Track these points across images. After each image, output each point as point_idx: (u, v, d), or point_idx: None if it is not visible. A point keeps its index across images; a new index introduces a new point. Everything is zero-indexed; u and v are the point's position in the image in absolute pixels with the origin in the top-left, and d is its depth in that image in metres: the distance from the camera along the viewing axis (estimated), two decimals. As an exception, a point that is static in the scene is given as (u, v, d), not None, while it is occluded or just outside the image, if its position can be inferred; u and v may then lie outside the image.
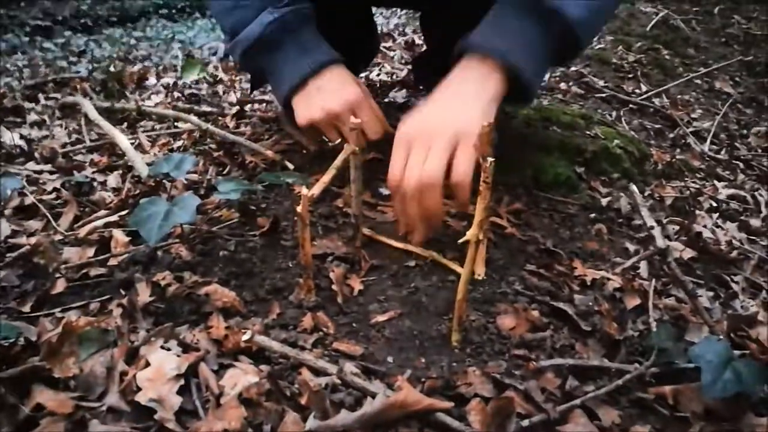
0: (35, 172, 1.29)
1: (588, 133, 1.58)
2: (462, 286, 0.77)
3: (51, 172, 1.29)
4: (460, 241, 0.76)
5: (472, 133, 0.81)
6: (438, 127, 0.87)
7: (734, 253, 1.23)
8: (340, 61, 1.04)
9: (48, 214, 1.06)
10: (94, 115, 1.54)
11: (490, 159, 0.70)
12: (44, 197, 1.15)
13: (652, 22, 2.67)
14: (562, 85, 2.05)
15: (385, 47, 2.54)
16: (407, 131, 0.89)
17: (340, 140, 1.06)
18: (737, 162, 1.82)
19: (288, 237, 1.00)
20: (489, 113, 0.90)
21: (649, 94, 2.10)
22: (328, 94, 1.01)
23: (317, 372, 0.71)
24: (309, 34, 1.04)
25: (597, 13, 0.99)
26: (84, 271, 0.90)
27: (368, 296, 0.89)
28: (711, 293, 1.08)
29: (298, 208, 0.79)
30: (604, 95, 2.01)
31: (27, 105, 1.96)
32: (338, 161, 0.88)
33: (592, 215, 1.27)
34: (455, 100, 0.90)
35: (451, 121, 0.86)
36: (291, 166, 1.21)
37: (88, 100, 1.77)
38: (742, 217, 1.44)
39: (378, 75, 2.14)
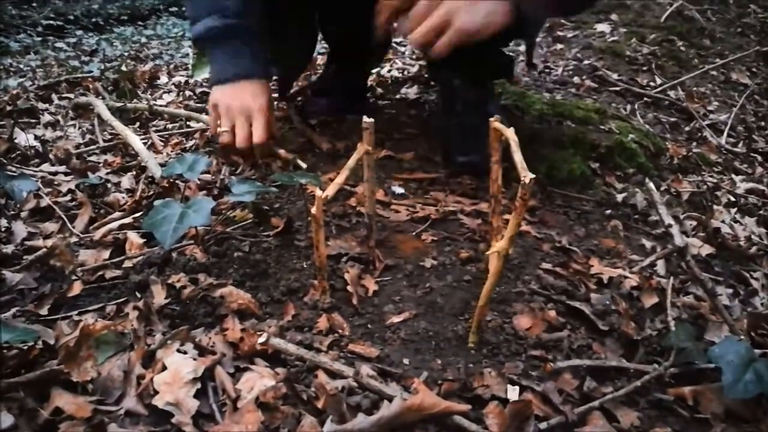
0: (50, 173, 1.30)
1: (602, 127, 1.56)
2: (485, 293, 0.76)
3: (65, 174, 1.29)
4: (489, 252, 0.75)
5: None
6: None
7: (753, 249, 1.21)
8: (259, 76, 1.22)
9: (63, 216, 1.07)
10: (107, 115, 1.55)
11: (531, 176, 0.68)
12: (59, 199, 1.15)
13: (667, 13, 2.64)
14: (576, 79, 2.02)
15: (396, 43, 2.52)
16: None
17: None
18: (755, 155, 1.79)
19: (302, 237, 1.00)
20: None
21: (664, 86, 2.07)
22: (237, 98, 1.20)
23: (333, 375, 0.70)
24: (243, 45, 1.21)
25: None
26: (100, 273, 0.91)
27: (383, 297, 0.89)
28: (730, 290, 1.07)
29: (313, 210, 0.78)
30: (618, 89, 1.99)
31: (40, 106, 1.97)
32: (351, 161, 0.87)
33: (608, 211, 1.26)
34: None
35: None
36: (304, 165, 1.21)
37: (100, 100, 1.78)
38: (761, 212, 1.42)
39: (389, 71, 2.13)
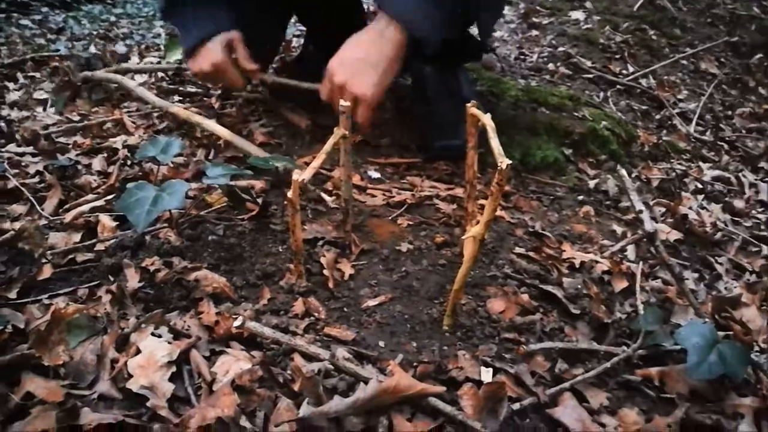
0: (17, 154, 1.26)
1: (576, 114, 1.58)
2: (460, 278, 0.77)
3: (33, 155, 1.26)
4: (464, 237, 0.76)
5: (359, 93, 1.07)
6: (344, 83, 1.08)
7: (719, 235, 1.25)
8: (219, 31, 1.23)
9: (32, 198, 1.04)
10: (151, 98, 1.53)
11: (507, 162, 0.69)
12: (27, 181, 1.12)
13: (639, 2, 2.67)
14: (550, 66, 2.04)
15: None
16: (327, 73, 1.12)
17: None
18: (722, 143, 1.83)
19: (277, 221, 1.00)
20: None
21: (636, 75, 2.10)
22: (204, 59, 1.23)
23: (310, 358, 0.71)
24: (201, 7, 1.24)
25: None
26: (71, 256, 0.89)
27: (359, 281, 0.89)
28: (696, 275, 1.10)
29: (289, 193, 0.78)
30: (591, 76, 2.01)
31: (6, 84, 1.91)
32: (328, 145, 0.87)
33: (580, 197, 1.28)
34: (363, 61, 1.09)
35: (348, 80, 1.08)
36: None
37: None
38: (727, 199, 1.45)
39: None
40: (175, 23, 1.32)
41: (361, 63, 1.08)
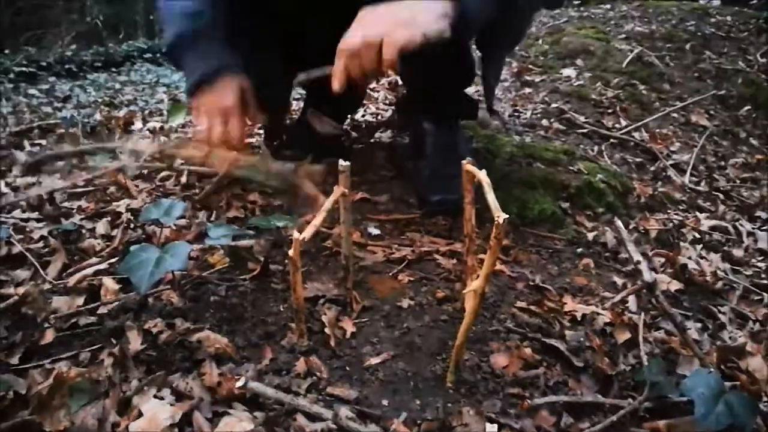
0: (22, 220, 1.28)
1: (571, 168, 1.61)
2: (462, 332, 0.77)
3: (38, 220, 1.28)
4: (465, 291, 0.77)
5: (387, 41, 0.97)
6: (365, 44, 0.99)
7: (719, 284, 1.25)
8: (230, 69, 1.20)
9: (36, 263, 1.05)
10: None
11: (503, 216, 0.70)
12: (32, 246, 1.14)
13: (628, 59, 2.75)
14: (544, 122, 2.09)
15: (369, 89, 2.58)
16: (343, 42, 1.01)
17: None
18: (717, 193, 1.86)
19: (278, 280, 1.00)
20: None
21: (629, 128, 2.15)
22: (213, 95, 1.19)
23: (312, 417, 0.70)
24: (209, 44, 1.21)
25: None
26: (73, 320, 0.89)
27: (361, 338, 0.89)
28: (699, 325, 1.09)
29: (290, 252, 0.79)
30: (585, 131, 2.05)
31: (13, 152, 1.95)
32: (328, 203, 0.89)
33: (579, 250, 1.29)
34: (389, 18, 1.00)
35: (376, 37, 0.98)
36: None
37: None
38: (725, 248, 1.46)
39: (363, 116, 2.17)
40: (184, 55, 1.24)
41: (401, 14, 0.99)
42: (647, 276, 0.95)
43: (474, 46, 1.40)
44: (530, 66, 2.73)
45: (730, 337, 1.06)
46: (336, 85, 1.02)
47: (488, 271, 0.73)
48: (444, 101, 1.43)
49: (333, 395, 0.77)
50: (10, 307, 0.90)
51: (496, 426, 0.72)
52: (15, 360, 0.81)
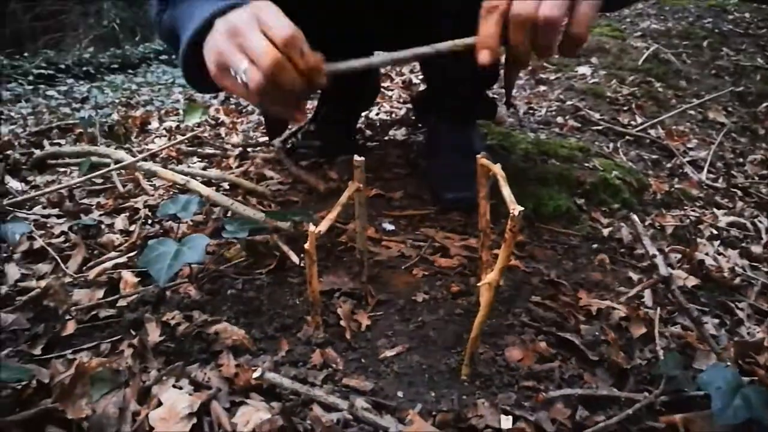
0: (43, 216, 1.30)
1: (586, 164, 1.61)
2: (477, 325, 0.77)
3: (58, 216, 1.30)
4: (480, 284, 0.77)
5: None
6: None
7: (737, 280, 1.24)
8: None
9: (57, 257, 1.07)
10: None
11: (519, 208, 0.71)
12: (53, 241, 1.16)
13: (644, 56, 2.73)
14: (559, 119, 2.08)
15: (383, 87, 2.59)
16: None
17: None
18: (735, 190, 1.84)
19: (294, 274, 1.01)
20: None
21: (645, 125, 2.13)
22: (232, 15, 0.79)
23: (328, 408, 0.71)
24: None
25: None
26: (94, 312, 0.91)
27: (376, 331, 0.90)
28: (716, 320, 1.09)
29: (306, 245, 0.80)
30: (600, 128, 2.04)
31: (33, 151, 1.99)
32: (343, 198, 0.90)
33: (594, 246, 1.29)
34: None
35: None
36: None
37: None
38: (743, 244, 1.45)
39: (377, 114, 2.17)
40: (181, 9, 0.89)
41: None
42: (663, 270, 0.95)
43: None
44: (545, 64, 2.72)
45: (748, 333, 1.05)
46: (487, 57, 0.77)
47: (503, 264, 0.73)
48: (466, 101, 1.43)
49: (349, 386, 0.77)
50: (32, 300, 0.92)
51: (511, 418, 0.72)
52: (38, 350, 0.83)
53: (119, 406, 0.70)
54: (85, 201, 1.42)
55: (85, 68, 6.00)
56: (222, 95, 3.09)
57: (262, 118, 1.35)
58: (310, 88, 0.79)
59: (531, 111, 2.18)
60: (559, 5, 0.72)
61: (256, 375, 0.73)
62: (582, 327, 0.94)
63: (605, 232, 1.34)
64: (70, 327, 0.87)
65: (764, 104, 2.57)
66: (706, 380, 0.76)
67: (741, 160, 2.11)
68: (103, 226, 1.22)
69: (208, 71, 0.80)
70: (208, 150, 1.82)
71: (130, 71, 6.27)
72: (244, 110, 2.54)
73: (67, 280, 1.00)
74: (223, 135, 2.10)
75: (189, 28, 0.84)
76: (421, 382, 0.80)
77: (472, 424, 0.71)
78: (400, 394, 0.77)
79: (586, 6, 0.73)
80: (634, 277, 1.18)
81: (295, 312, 0.92)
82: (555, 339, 0.91)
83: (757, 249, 1.42)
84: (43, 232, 1.20)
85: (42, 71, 5.56)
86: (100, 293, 0.95)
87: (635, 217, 1.10)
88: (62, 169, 1.71)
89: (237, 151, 1.74)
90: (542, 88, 2.44)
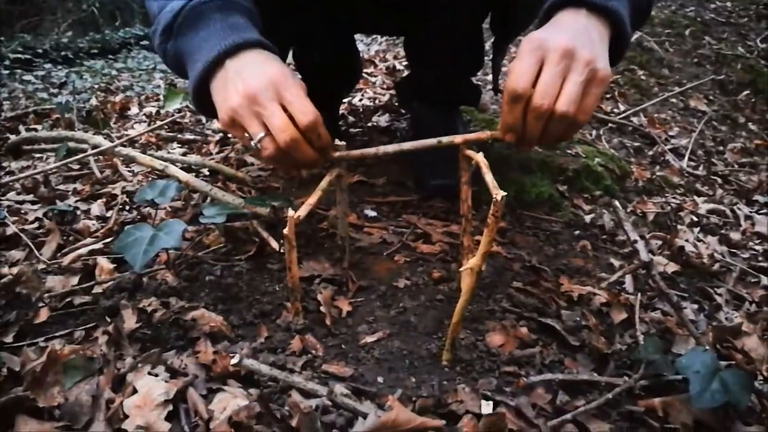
0: (17, 202, 1.27)
1: (569, 152, 1.61)
2: (459, 310, 0.77)
3: (33, 203, 1.28)
4: (462, 269, 0.76)
5: (607, 74, 0.77)
6: (578, 53, 0.76)
7: (716, 266, 1.25)
8: (267, 46, 0.86)
9: (30, 244, 1.05)
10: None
11: (502, 193, 0.70)
12: (26, 227, 1.13)
13: (627, 45, 2.74)
14: (542, 107, 2.08)
15: (367, 73, 2.57)
16: (543, 40, 0.77)
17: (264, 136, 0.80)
18: (715, 177, 1.85)
19: (274, 261, 1.00)
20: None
21: (628, 113, 2.14)
22: (247, 74, 0.80)
23: (307, 394, 0.70)
24: (242, 18, 0.87)
25: None
26: (68, 299, 0.89)
27: (357, 317, 0.89)
28: (695, 306, 1.09)
29: (285, 230, 0.79)
30: (583, 115, 2.04)
31: (8, 136, 1.94)
32: (324, 183, 0.88)
33: (576, 232, 1.29)
34: (586, 36, 0.78)
35: (590, 54, 0.76)
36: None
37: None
38: (723, 231, 1.46)
39: (360, 100, 2.16)
40: (193, 28, 0.86)
41: (594, 38, 0.78)
42: (644, 255, 0.95)
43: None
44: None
45: (726, 318, 1.06)
46: (513, 138, 0.81)
47: (486, 249, 0.73)
48: (450, 88, 1.42)
49: (328, 372, 0.76)
50: (4, 287, 0.90)
51: (491, 403, 0.72)
52: (9, 338, 0.81)
53: (93, 394, 0.68)
54: (61, 187, 1.39)
55: (63, 53, 5.86)
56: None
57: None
58: (319, 163, 0.86)
59: (514, 98, 2.17)
60: (575, 101, 0.75)
61: (233, 361, 0.71)
62: (563, 312, 0.94)
63: (587, 218, 1.35)
64: (43, 314, 0.85)
65: (744, 93, 2.59)
66: (685, 364, 0.76)
67: (721, 148, 2.13)
68: (79, 212, 1.19)
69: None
70: (189, 136, 1.80)
71: (110, 56, 6.15)
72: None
73: (41, 266, 0.97)
74: (204, 121, 2.07)
75: (197, 61, 0.84)
76: (401, 367, 0.79)
77: (452, 409, 0.71)
78: (380, 379, 0.76)
79: (593, 98, 0.77)
80: (616, 263, 1.18)
81: (275, 298, 0.91)
82: (536, 324, 0.91)
83: (735, 235, 1.43)
84: (16, 218, 1.17)
85: (19, 56, 5.43)
86: (75, 280, 0.93)
87: (617, 203, 1.10)
88: (38, 155, 1.67)
89: (217, 136, 1.72)
90: (526, 75, 2.44)
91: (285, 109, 0.79)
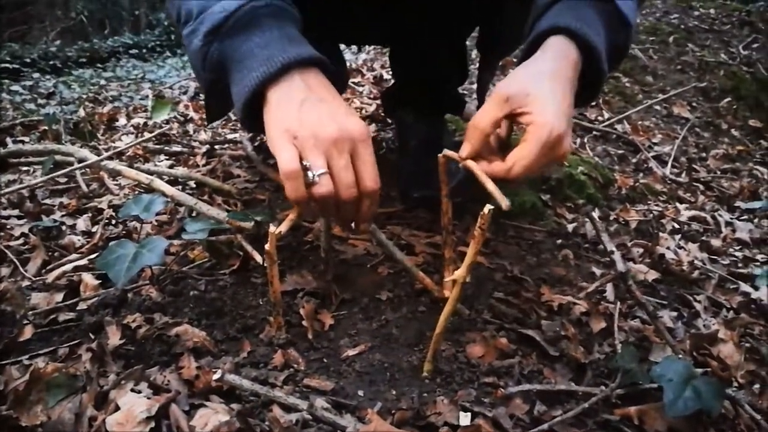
0: (2, 217, 1.28)
1: (552, 161, 1.62)
2: (442, 321, 0.78)
3: (18, 217, 1.28)
4: (446, 279, 0.77)
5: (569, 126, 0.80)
6: (564, 143, 0.79)
7: (696, 273, 1.27)
8: (329, 67, 0.83)
9: (15, 260, 1.05)
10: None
11: (489, 207, 0.71)
12: (11, 243, 1.14)
13: (612, 52, 2.78)
14: (527, 115, 2.10)
15: (353, 83, 2.58)
16: (509, 89, 0.80)
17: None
18: (697, 184, 1.88)
19: (258, 275, 1.01)
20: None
21: (611, 120, 2.16)
22: (326, 109, 0.75)
23: (288, 408, 0.71)
24: (295, 30, 0.82)
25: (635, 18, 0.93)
26: (52, 316, 0.89)
27: (339, 331, 0.90)
28: (674, 313, 1.11)
29: (266, 246, 0.80)
30: (567, 123, 2.07)
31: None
32: (306, 198, 0.89)
33: (559, 241, 1.31)
34: (558, 84, 0.80)
35: (569, 146, 0.81)
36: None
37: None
38: (703, 238, 1.48)
39: (347, 110, 2.17)
40: (243, 37, 0.79)
41: (569, 108, 0.80)
42: (620, 265, 0.97)
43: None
44: (513, 59, 2.74)
45: (704, 325, 1.08)
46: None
47: (471, 260, 0.74)
48: (435, 97, 1.43)
49: (309, 386, 0.77)
50: (-12, 304, 0.91)
51: (469, 415, 0.73)
52: (-7, 357, 0.81)
53: (75, 412, 0.69)
54: (47, 201, 1.39)
55: (51, 62, 5.86)
56: (192, 91, 3.05)
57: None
58: (348, 226, 0.85)
59: (500, 107, 2.19)
60: (570, 144, 0.80)
61: (215, 377, 0.72)
62: (543, 322, 0.96)
63: (570, 227, 1.37)
64: (28, 332, 0.85)
65: (727, 99, 2.62)
66: (659, 373, 0.78)
67: (704, 154, 2.16)
68: (64, 228, 1.20)
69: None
70: (176, 148, 1.80)
71: (98, 65, 6.15)
72: (213, 106, 2.51)
73: (25, 283, 0.98)
74: (191, 132, 2.08)
75: (252, 69, 0.76)
76: (382, 380, 0.81)
77: (431, 421, 0.72)
78: (360, 393, 0.78)
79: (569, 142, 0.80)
80: (597, 272, 1.20)
81: (258, 313, 0.92)
82: (516, 335, 0.93)
83: (716, 242, 1.46)
84: (2, 234, 1.18)
85: (6, 65, 5.42)
86: (60, 296, 0.94)
87: (594, 213, 1.12)
88: (24, 168, 1.68)
89: (204, 148, 1.72)
90: (511, 83, 2.46)
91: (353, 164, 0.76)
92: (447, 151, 0.90)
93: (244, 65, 0.78)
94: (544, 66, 0.80)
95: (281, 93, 0.76)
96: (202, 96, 2.76)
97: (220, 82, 0.83)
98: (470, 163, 0.83)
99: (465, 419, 0.72)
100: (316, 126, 0.74)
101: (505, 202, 0.72)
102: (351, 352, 0.85)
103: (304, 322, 0.89)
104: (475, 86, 1.48)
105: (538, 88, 0.78)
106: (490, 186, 0.77)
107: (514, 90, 0.79)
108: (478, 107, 1.49)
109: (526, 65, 0.82)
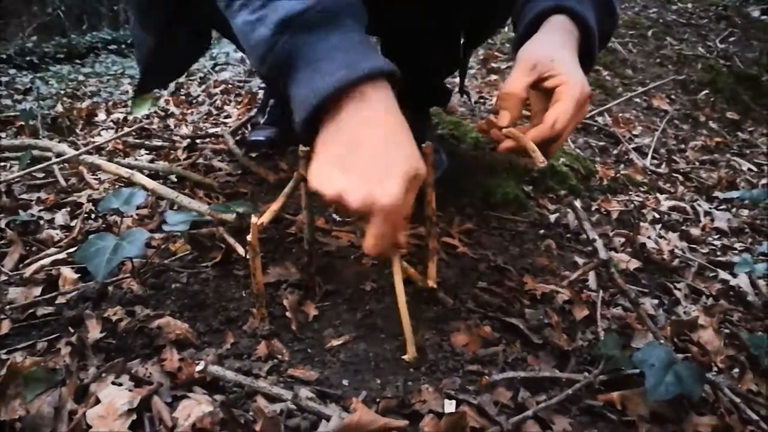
0: (-22, 213, 1.25)
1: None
2: (400, 298, 0.79)
3: (-5, 213, 1.25)
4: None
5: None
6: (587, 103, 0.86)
7: (676, 262, 1.28)
8: (398, 80, 0.77)
9: (-8, 255, 1.03)
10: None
11: (544, 160, 0.79)
12: (-12, 238, 1.12)
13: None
14: (509, 108, 2.11)
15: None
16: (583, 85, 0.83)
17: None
18: (677, 175, 1.90)
19: (240, 267, 1.00)
20: None
21: (593, 113, 2.18)
22: (401, 139, 0.73)
23: (272, 399, 0.71)
24: (365, 35, 0.76)
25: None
26: (30, 310, 0.88)
27: (323, 321, 0.90)
28: (656, 301, 1.13)
29: (248, 237, 0.79)
30: (549, 116, 2.08)
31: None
32: (288, 188, 0.89)
33: (541, 231, 1.32)
34: (572, 53, 0.86)
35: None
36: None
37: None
38: (683, 227, 1.50)
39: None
40: (312, 44, 0.72)
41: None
42: (602, 253, 0.97)
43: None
44: (496, 53, 2.75)
45: (684, 312, 1.10)
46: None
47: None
48: (422, 89, 1.43)
49: (294, 377, 0.77)
50: (-36, 300, 0.89)
51: (454, 402, 0.73)
52: (-31, 352, 0.80)
53: (54, 406, 0.68)
54: (25, 196, 1.37)
55: (28, 58, 5.74)
56: (172, 85, 3.02)
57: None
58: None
59: (482, 100, 2.20)
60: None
61: (198, 368, 0.72)
62: (527, 311, 0.96)
63: (552, 218, 1.37)
64: (5, 326, 0.84)
65: (704, 92, 2.66)
66: (641, 358, 0.79)
67: (683, 146, 2.19)
68: (42, 222, 1.18)
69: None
70: (156, 142, 1.78)
71: (76, 61, 6.04)
72: (194, 101, 2.49)
73: (3, 278, 0.96)
74: (172, 126, 2.06)
75: (327, 73, 0.70)
76: (366, 369, 0.81)
77: (416, 409, 0.72)
78: (345, 382, 0.77)
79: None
80: (580, 261, 1.21)
81: (241, 305, 0.91)
82: (500, 323, 0.93)
83: (695, 231, 1.48)
84: (-22, 229, 1.15)
85: (-18, 62, 5.31)
86: (38, 291, 0.92)
87: (577, 203, 1.13)
88: (1, 164, 1.65)
89: (186, 142, 1.70)
90: (493, 77, 2.47)
91: None
92: (491, 116, 0.91)
93: (317, 66, 0.71)
94: (556, 37, 0.87)
95: (355, 103, 0.70)
96: (183, 90, 2.74)
97: (277, 81, 0.76)
98: (512, 130, 0.86)
99: (450, 407, 0.72)
100: (390, 150, 0.71)
101: (542, 159, 0.78)
102: (335, 343, 0.85)
103: (287, 314, 0.88)
104: (456, 80, 1.48)
105: (560, 54, 0.84)
106: (531, 145, 0.81)
107: (538, 57, 0.83)
108: (459, 89, 1.50)
109: (539, 38, 0.87)
